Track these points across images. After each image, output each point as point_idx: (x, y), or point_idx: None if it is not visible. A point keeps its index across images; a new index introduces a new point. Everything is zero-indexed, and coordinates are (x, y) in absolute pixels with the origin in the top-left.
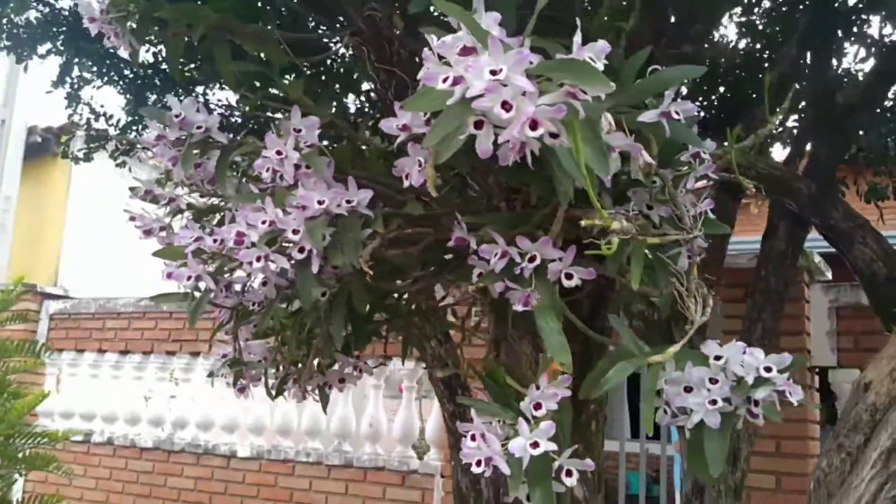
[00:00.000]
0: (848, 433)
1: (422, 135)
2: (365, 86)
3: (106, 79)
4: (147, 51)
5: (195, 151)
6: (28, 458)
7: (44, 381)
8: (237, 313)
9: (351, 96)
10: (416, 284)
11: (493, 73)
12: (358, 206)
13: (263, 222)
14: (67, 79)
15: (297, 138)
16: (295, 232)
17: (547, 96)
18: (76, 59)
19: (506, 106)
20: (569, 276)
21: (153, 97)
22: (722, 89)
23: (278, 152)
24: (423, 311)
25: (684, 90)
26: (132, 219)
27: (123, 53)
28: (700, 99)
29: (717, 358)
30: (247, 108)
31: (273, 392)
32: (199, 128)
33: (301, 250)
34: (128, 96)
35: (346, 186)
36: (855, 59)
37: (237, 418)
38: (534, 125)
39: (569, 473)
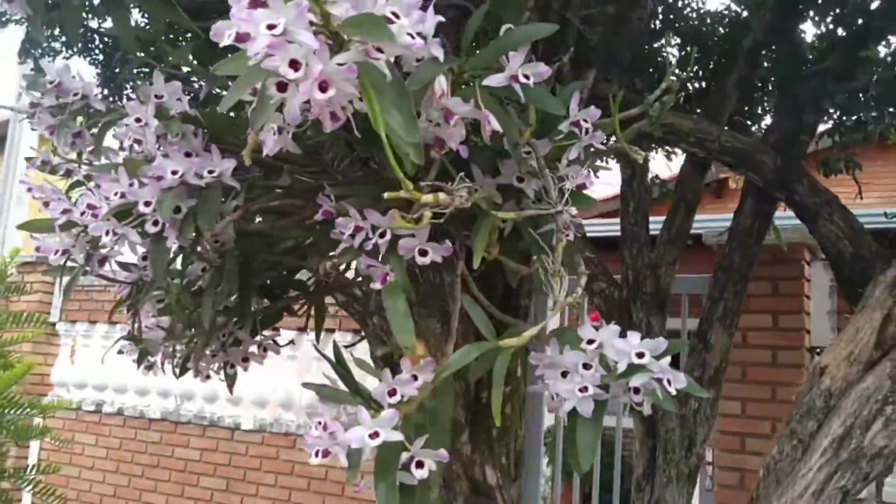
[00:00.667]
0: (801, 419)
1: None
2: None
3: (72, 51)
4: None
5: (77, 120)
6: (20, 428)
7: (59, 351)
8: (137, 288)
9: None
10: (298, 257)
11: (271, 27)
12: (221, 176)
13: (116, 194)
14: (38, 49)
15: (163, 105)
16: (147, 204)
17: (341, 55)
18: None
19: (294, 65)
20: (423, 253)
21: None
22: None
23: (138, 119)
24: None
25: (673, 58)
26: (29, 190)
27: (94, 23)
28: (696, 69)
29: (591, 342)
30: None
31: (177, 371)
32: (76, 95)
33: (156, 223)
34: (101, 68)
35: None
36: (819, 25)
37: (241, 391)
38: (323, 86)
39: (420, 465)
